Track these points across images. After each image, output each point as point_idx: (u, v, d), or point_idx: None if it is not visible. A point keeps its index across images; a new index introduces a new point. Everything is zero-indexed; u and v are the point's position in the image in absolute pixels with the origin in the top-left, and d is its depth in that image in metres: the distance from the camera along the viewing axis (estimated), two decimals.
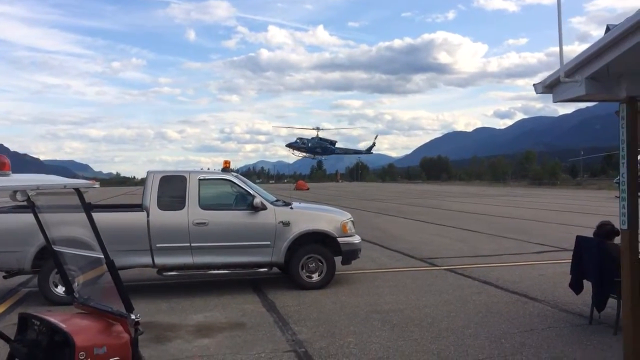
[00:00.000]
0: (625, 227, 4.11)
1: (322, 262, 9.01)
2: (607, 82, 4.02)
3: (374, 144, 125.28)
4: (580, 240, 7.00)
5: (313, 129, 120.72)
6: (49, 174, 4.27)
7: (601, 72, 3.91)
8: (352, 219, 9.64)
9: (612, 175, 70.01)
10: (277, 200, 9.50)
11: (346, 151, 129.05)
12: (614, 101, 4.21)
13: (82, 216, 3.83)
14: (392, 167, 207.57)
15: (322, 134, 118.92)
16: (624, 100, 4.06)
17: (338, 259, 9.25)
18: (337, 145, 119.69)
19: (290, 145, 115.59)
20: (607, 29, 3.77)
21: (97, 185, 4.40)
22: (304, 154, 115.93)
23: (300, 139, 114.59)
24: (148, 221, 8.47)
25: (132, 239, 8.37)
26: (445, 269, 10.70)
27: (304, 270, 8.97)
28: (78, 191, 3.74)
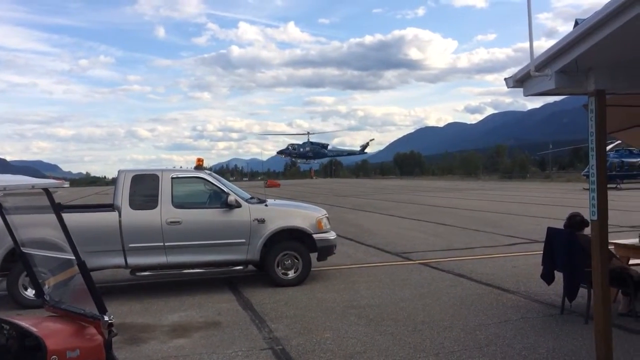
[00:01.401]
0: (594, 217, 4.18)
1: (297, 259, 8.99)
2: (576, 75, 4.09)
3: (367, 144, 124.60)
4: (551, 231, 7.12)
5: (303, 134, 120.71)
6: (16, 175, 4.15)
7: (570, 65, 3.97)
8: (327, 215, 9.64)
9: (580, 168, 71.71)
10: (251, 198, 9.44)
11: (339, 153, 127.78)
12: (583, 94, 4.28)
13: (52, 217, 3.73)
14: (366, 163, 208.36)
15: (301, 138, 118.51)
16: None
17: (314, 256, 9.24)
18: (329, 148, 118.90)
19: (282, 152, 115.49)
20: (576, 23, 3.84)
21: (66, 184, 4.30)
22: (297, 159, 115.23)
23: (292, 144, 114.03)
24: (120, 221, 8.33)
25: (103, 240, 8.22)
26: (420, 263, 10.79)
27: (280, 268, 8.93)
28: (47, 191, 3.64)
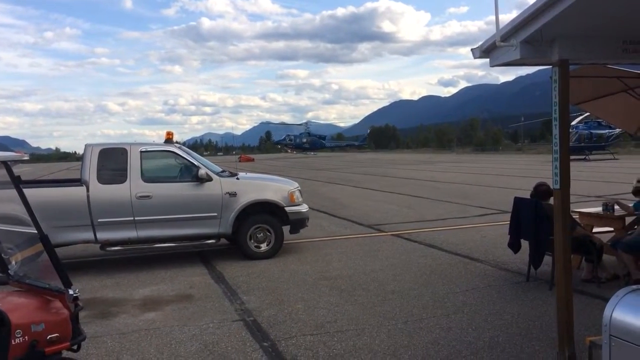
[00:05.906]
0: (557, 186, 4.27)
1: (270, 232, 9.01)
2: (541, 45, 4.11)
3: (366, 137, 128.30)
4: (517, 201, 7.26)
5: (300, 124, 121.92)
6: None
7: (535, 35, 3.99)
8: (299, 188, 9.65)
9: (551, 140, 72.88)
10: (223, 171, 9.38)
11: (338, 144, 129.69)
12: (547, 64, 4.32)
13: (14, 192, 3.66)
14: (341, 137, 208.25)
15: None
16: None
17: (286, 229, 9.27)
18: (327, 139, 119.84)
19: (279, 143, 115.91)
20: None
21: (26, 157, 4.19)
22: (293, 150, 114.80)
23: (288, 135, 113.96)
24: (88, 196, 8.21)
25: (72, 215, 8.10)
26: (392, 235, 10.92)
27: (252, 241, 8.95)
28: (5, 164, 3.56)
